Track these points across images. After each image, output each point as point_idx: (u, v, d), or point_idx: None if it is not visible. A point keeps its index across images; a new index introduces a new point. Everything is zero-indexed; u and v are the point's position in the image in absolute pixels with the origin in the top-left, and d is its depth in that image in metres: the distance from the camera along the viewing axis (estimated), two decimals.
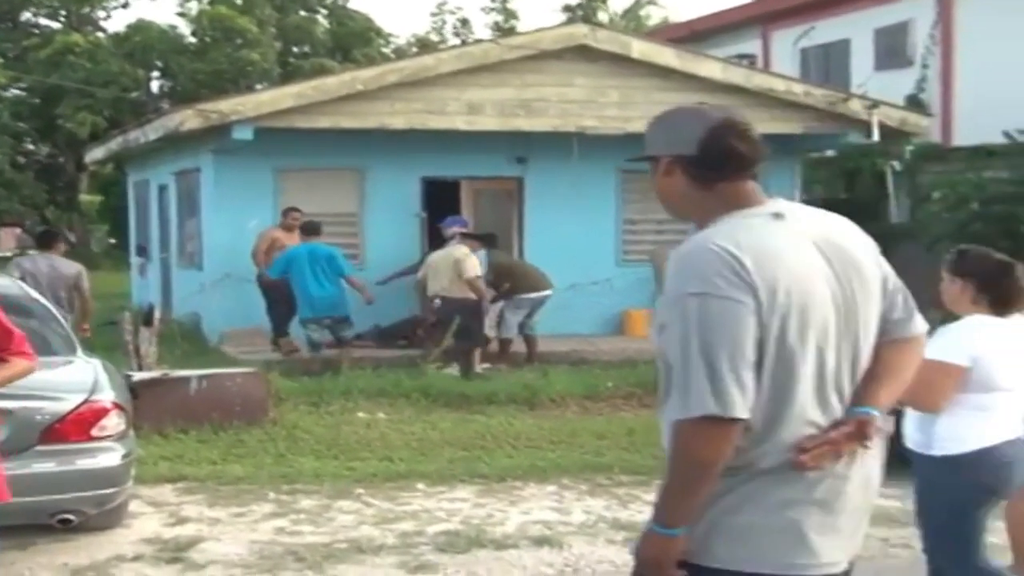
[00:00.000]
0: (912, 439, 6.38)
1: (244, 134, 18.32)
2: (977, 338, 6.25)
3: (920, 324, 4.17)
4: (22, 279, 13.18)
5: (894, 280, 4.12)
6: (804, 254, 3.88)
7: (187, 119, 18.52)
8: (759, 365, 3.75)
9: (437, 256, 17.38)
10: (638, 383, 15.89)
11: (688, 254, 3.83)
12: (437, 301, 17.01)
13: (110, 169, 40.28)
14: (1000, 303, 6.36)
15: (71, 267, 14.93)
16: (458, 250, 17.24)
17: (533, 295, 17.99)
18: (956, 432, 6.28)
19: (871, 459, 4.03)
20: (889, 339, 4.07)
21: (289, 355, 17.52)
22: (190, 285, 21.10)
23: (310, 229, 17.49)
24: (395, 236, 19.68)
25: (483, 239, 18.03)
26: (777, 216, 3.93)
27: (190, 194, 21.54)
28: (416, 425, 14.27)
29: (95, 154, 28.85)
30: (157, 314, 15.38)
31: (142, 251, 26.02)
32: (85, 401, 8.76)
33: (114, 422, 8.84)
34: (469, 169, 20.59)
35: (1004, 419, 6.34)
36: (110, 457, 8.75)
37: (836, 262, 3.93)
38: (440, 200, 20.50)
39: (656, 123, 4.12)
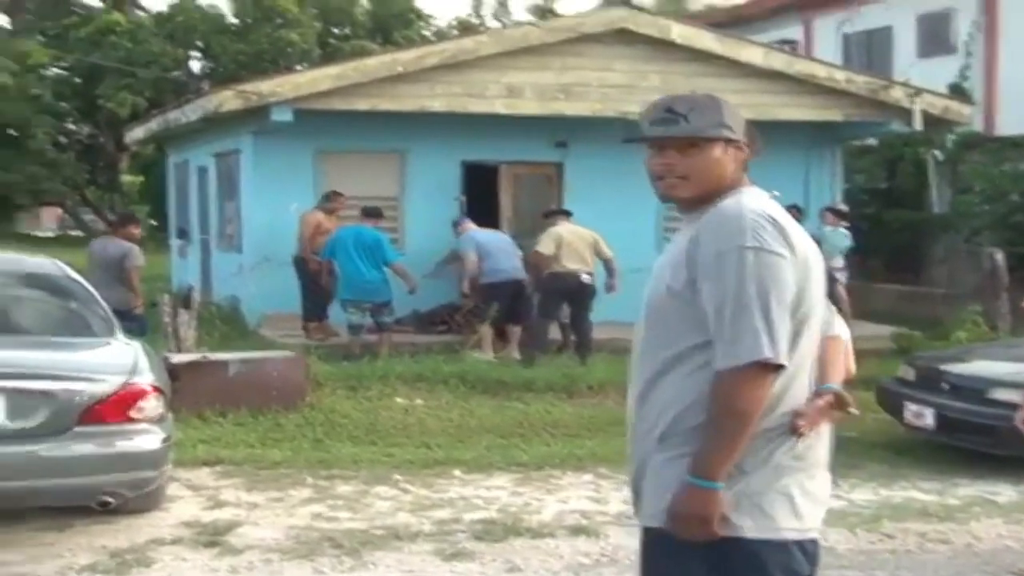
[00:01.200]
0: None
1: (283, 116, 18.31)
2: None
3: (839, 326, 4.64)
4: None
5: None
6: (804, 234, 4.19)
7: (226, 100, 18.52)
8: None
9: (567, 232, 17.35)
10: None
11: (734, 215, 4.08)
12: (586, 277, 17.11)
13: (151, 149, 40.38)
14: None
15: (119, 248, 15.18)
16: (584, 230, 17.51)
17: None
18: None
19: (828, 438, 4.31)
20: (821, 335, 4.36)
21: (324, 340, 17.54)
22: (229, 267, 21.14)
23: (371, 212, 17.59)
24: (435, 220, 19.61)
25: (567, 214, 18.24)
26: (772, 196, 4.27)
27: (230, 176, 21.57)
28: (454, 411, 14.27)
29: (135, 134, 28.90)
30: (196, 296, 15.41)
31: (182, 233, 26.08)
32: (124, 383, 8.77)
33: (153, 405, 8.85)
34: (509, 153, 20.56)
35: None
36: (149, 440, 8.77)
37: (814, 250, 4.21)
38: (480, 184, 20.49)
39: (716, 107, 4.29)
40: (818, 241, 4.58)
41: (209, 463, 11.42)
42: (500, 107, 19.18)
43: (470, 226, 18.36)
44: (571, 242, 17.17)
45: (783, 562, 4.08)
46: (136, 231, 15.90)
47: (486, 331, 17.42)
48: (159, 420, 8.93)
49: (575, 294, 17.19)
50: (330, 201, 18.45)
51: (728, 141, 4.23)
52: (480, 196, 20.42)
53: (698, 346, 4.04)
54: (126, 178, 51.89)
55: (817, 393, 4.20)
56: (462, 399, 14.87)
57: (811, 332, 4.13)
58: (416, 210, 20.07)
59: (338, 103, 18.52)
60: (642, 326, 4.33)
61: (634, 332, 4.43)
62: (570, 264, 17.06)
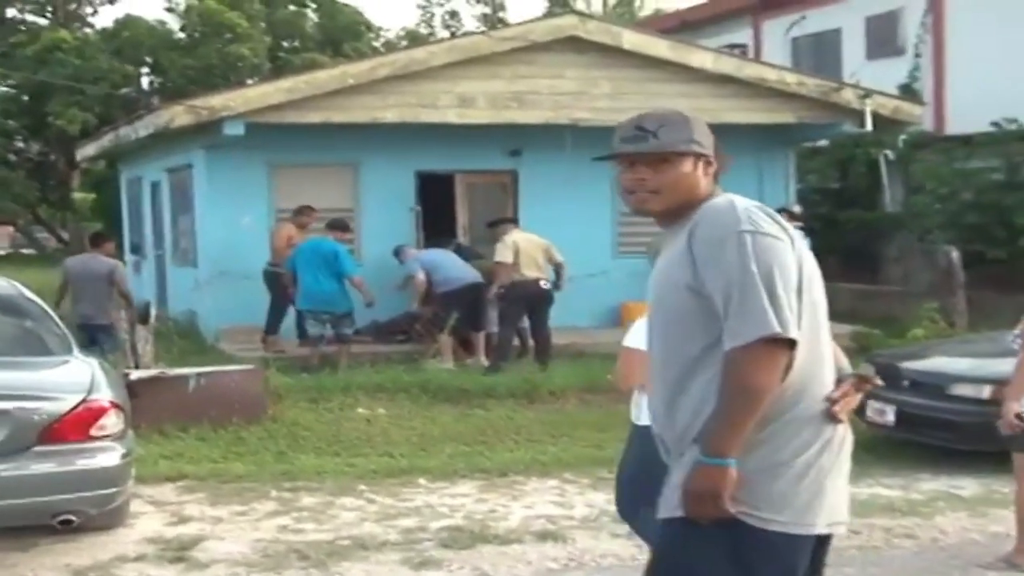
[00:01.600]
0: (632, 413, 7.42)
1: (235, 129, 18.23)
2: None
3: None
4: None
5: None
6: None
7: (177, 115, 18.42)
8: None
9: (522, 240, 17.46)
10: None
11: (725, 207, 4.24)
12: (544, 283, 17.24)
13: (102, 166, 40.16)
14: None
15: (103, 264, 15.43)
16: (536, 236, 17.69)
17: None
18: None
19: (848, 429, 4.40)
20: None
21: (283, 353, 17.49)
22: (185, 282, 21.03)
23: (336, 225, 17.71)
24: (390, 230, 19.56)
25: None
26: None
27: (183, 191, 21.46)
28: (416, 420, 14.28)
29: (87, 151, 28.75)
30: (153, 312, 15.33)
31: (137, 249, 25.96)
32: (83, 401, 8.69)
33: (112, 421, 8.77)
34: (463, 162, 20.53)
35: None
36: (109, 456, 8.69)
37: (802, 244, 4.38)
38: (434, 194, 20.45)
39: (685, 123, 4.42)
40: None
41: (172, 478, 11.32)
42: (452, 116, 19.15)
43: (411, 252, 18.57)
44: (527, 250, 17.24)
45: (799, 552, 4.23)
46: (112, 247, 16.26)
47: (445, 340, 17.44)
48: (119, 436, 8.85)
49: (536, 301, 17.25)
50: (301, 215, 18.40)
51: (697, 156, 4.36)
52: (435, 206, 20.39)
53: (718, 342, 4.14)
54: (78, 195, 51.59)
55: (838, 380, 4.33)
56: (424, 408, 14.90)
57: (822, 319, 4.28)
58: (371, 221, 20.00)
59: (290, 116, 18.45)
60: (658, 331, 4.42)
61: (648, 342, 4.50)
62: (528, 272, 17.13)
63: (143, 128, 20.46)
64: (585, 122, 19.27)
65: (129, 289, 15.98)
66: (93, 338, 14.23)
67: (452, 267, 17.85)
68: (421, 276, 17.70)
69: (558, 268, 17.50)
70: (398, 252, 18.69)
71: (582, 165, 19.92)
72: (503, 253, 17.17)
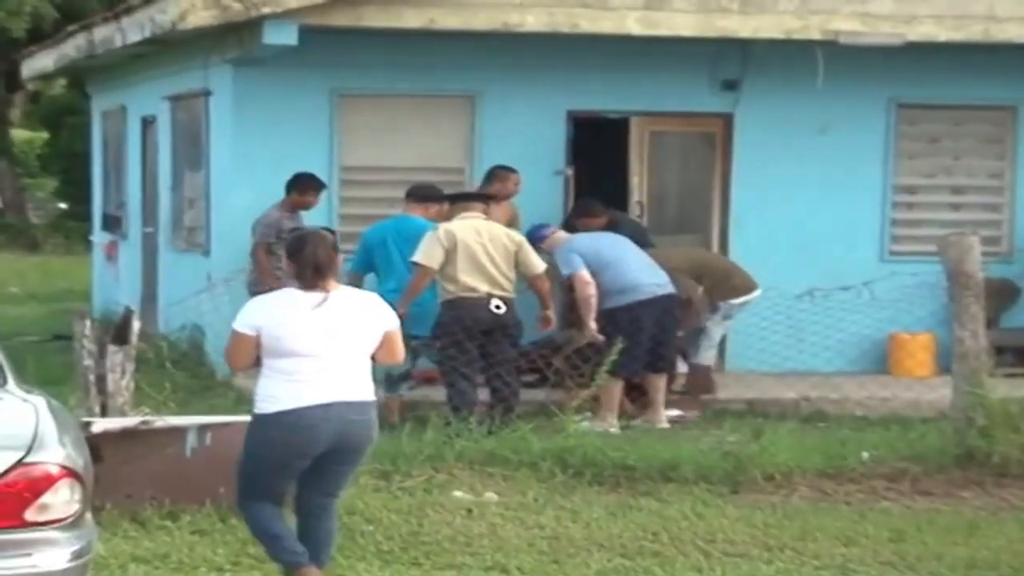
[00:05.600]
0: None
1: (283, 36, 18.33)
2: (260, 310, 10.52)
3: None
4: None
5: None
6: None
7: (191, 11, 18.55)
8: None
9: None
10: (913, 455, 15.78)
11: None
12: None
13: (62, 88, 40.61)
14: (301, 278, 10.25)
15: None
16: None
17: (742, 299, 18.30)
18: (268, 393, 10.38)
19: None
20: None
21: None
22: (189, 279, 21.21)
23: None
24: (525, 202, 19.51)
25: None
26: None
27: (194, 132, 21.70)
28: (547, 513, 14.29)
29: (38, 63, 29.12)
30: (136, 325, 15.62)
31: (113, 223, 26.21)
32: (18, 463, 8.80)
33: (63, 498, 8.87)
34: (645, 100, 20.63)
35: (313, 384, 10.24)
36: (53, 556, 8.80)
37: None
38: (597, 149, 20.49)
39: None
40: None
41: None
42: (633, 25, 19.14)
43: (559, 235, 18.54)
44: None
45: None
46: (306, 199, 19.21)
47: (608, 385, 17.30)
48: (72, 523, 8.96)
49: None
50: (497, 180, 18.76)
51: None
52: (597, 168, 20.39)
53: None
54: (20, 134, 51.96)
55: None
56: (561, 494, 14.92)
57: None
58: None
59: (372, 17, 18.55)
60: None
61: None
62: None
63: (133, 30, 20.72)
64: (850, 37, 19.22)
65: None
66: None
67: (627, 267, 17.82)
68: (586, 275, 17.55)
69: None
70: (537, 234, 18.49)
71: (840, 108, 20.16)
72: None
